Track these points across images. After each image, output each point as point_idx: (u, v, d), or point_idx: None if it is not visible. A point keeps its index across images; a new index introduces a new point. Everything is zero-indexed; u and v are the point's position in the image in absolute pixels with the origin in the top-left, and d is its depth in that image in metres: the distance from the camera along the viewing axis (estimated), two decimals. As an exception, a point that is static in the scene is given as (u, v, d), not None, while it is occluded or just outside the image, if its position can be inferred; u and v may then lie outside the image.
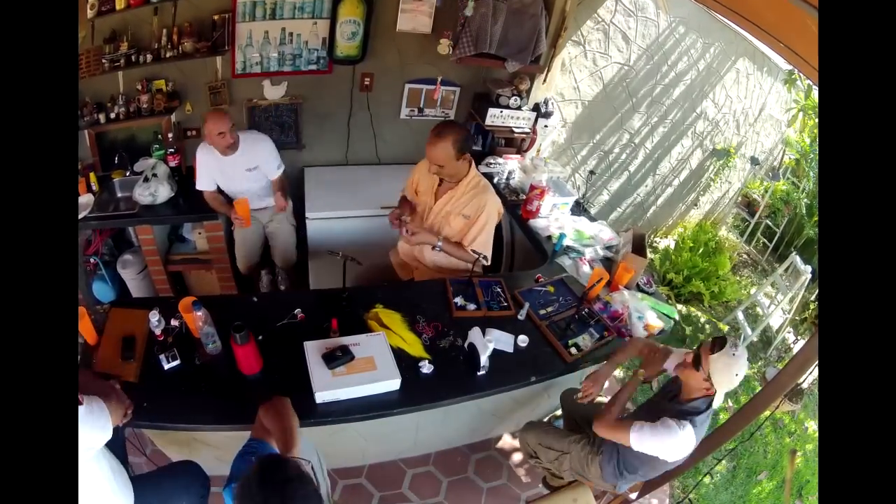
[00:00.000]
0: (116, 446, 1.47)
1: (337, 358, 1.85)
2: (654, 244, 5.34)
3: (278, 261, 3.27)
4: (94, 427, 1.36)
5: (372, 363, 1.89)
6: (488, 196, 2.38)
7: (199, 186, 2.85)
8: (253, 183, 2.92)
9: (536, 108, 3.49)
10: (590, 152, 4.37)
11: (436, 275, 2.57)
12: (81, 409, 1.32)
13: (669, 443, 1.74)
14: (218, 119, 2.64)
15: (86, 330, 1.84)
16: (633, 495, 2.17)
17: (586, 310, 2.33)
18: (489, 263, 2.49)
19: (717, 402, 1.76)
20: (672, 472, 2.51)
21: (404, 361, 1.96)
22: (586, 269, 2.64)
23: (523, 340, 2.16)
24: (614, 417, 1.91)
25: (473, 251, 2.37)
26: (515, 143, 3.63)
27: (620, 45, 3.82)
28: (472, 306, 2.29)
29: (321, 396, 1.78)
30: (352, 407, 1.81)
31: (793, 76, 4.60)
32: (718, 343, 1.72)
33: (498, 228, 3.10)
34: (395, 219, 2.46)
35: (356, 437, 2.37)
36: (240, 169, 2.82)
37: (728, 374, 1.70)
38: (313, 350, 1.88)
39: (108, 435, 1.41)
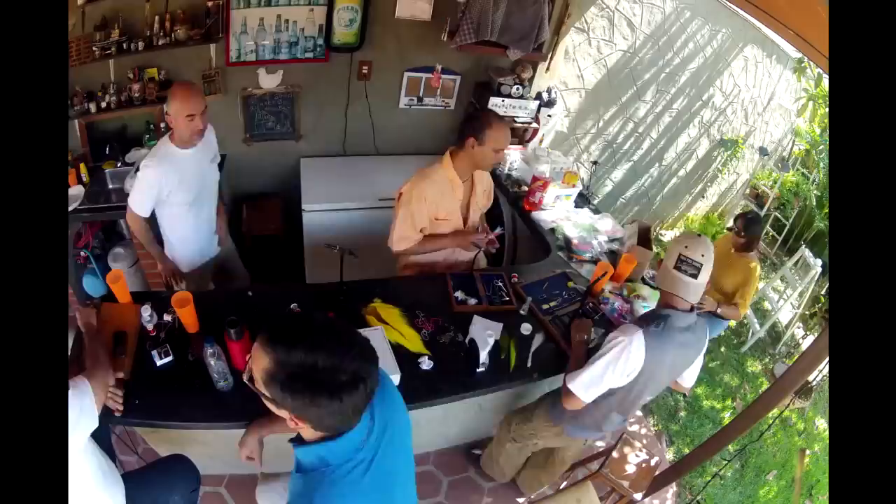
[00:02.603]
0: (102, 440, 1.43)
1: (334, 354, 1.80)
2: (660, 236, 5.28)
3: (239, 283, 2.81)
4: (74, 409, 1.26)
5: (369, 359, 1.84)
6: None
7: (140, 211, 2.15)
8: (216, 175, 2.42)
9: (539, 97, 3.43)
10: (592, 140, 4.30)
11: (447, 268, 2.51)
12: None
13: (601, 365, 1.68)
14: (192, 96, 1.99)
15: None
16: (639, 495, 2.13)
17: (590, 304, 2.28)
18: None
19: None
20: (676, 470, 2.47)
21: (403, 357, 1.92)
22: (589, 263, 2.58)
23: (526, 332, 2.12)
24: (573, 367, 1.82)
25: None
26: (517, 133, 3.56)
27: (625, 32, 3.74)
28: (472, 300, 2.24)
29: (316, 394, 1.73)
30: (348, 404, 1.77)
31: (803, 64, 4.50)
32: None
33: (500, 220, 3.07)
34: (486, 242, 2.33)
35: (354, 434, 2.34)
36: (205, 161, 2.29)
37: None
38: (309, 346, 1.84)
39: (94, 421, 1.32)
